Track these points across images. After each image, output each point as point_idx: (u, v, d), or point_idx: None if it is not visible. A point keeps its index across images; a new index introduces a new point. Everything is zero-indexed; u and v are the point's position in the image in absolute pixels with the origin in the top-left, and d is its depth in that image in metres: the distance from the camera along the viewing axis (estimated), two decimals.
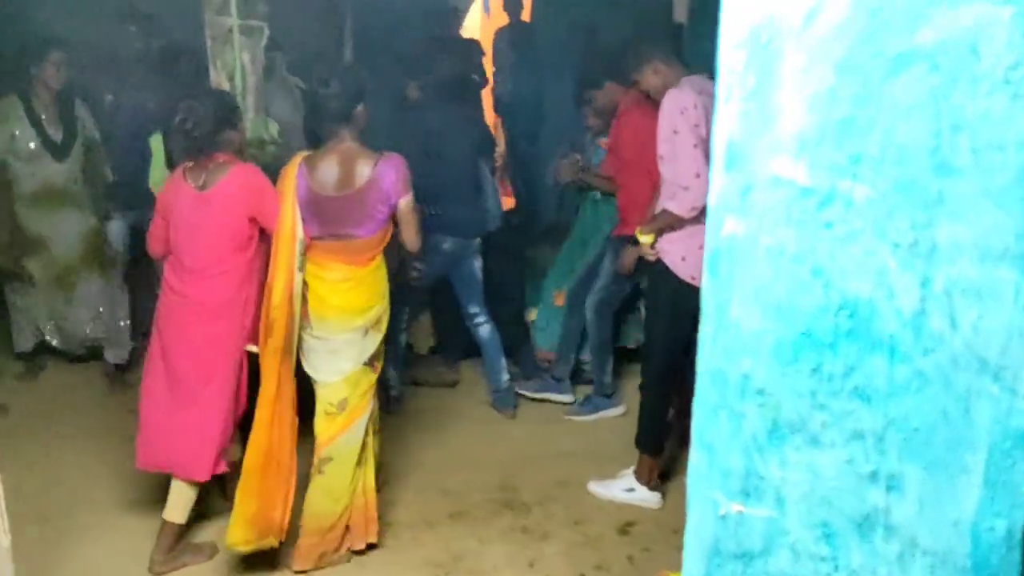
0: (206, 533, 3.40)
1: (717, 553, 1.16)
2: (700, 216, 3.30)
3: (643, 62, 3.48)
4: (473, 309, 4.38)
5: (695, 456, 1.17)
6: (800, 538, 1.07)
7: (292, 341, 3.09)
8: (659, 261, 3.49)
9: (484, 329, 4.43)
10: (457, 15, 6.91)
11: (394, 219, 3.16)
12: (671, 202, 3.34)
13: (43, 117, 4.37)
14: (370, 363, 3.21)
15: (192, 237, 3.09)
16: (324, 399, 3.18)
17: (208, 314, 3.09)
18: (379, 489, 3.40)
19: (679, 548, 3.28)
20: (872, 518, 1.00)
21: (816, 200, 0.99)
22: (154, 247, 3.26)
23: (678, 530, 3.47)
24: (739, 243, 1.06)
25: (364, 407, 3.22)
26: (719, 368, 1.11)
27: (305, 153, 3.15)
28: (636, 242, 3.68)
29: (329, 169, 3.07)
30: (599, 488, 3.79)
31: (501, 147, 6.61)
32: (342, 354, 3.16)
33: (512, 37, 6.85)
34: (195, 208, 3.07)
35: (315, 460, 3.18)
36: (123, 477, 3.69)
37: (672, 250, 3.45)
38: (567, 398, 4.61)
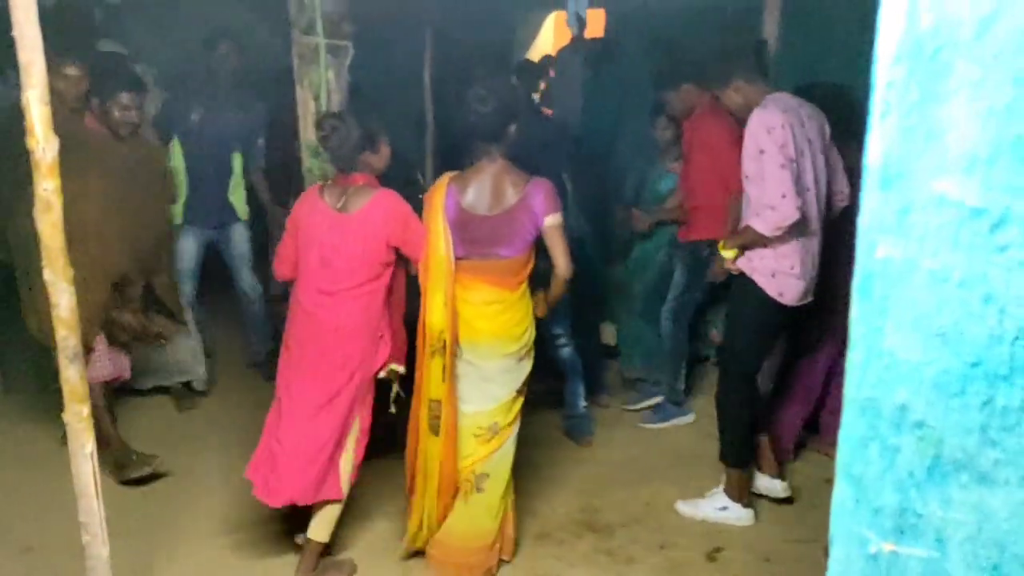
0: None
1: None
2: (787, 235, 3.30)
3: (725, 80, 3.44)
4: (557, 330, 4.27)
5: (840, 490, 1.11)
6: None
7: (455, 360, 3.10)
8: (744, 275, 3.45)
9: (566, 351, 4.33)
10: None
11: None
12: (756, 220, 3.30)
13: None
14: (521, 389, 3.20)
15: (329, 259, 3.04)
16: (473, 424, 3.16)
17: (344, 337, 3.05)
18: None
19: None
20: None
21: (988, 222, 0.92)
22: (282, 269, 3.22)
23: (770, 558, 3.39)
24: (896, 267, 1.00)
25: (515, 424, 3.23)
26: (870, 398, 1.05)
27: (452, 174, 3.13)
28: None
29: (480, 188, 3.05)
30: (688, 508, 3.71)
31: None
32: (496, 381, 3.14)
33: (584, 54, 6.83)
34: (334, 230, 3.03)
35: (470, 479, 3.18)
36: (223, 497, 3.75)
37: (762, 267, 3.40)
38: (687, 418, 4.62)
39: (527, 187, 3.03)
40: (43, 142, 2.21)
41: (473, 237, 3.04)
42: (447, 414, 3.09)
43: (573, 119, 6.54)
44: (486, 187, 3.05)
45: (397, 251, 3.10)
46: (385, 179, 4.93)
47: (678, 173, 4.54)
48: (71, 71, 3.70)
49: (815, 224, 3.39)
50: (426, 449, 3.17)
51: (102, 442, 3.72)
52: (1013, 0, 0.87)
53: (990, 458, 0.95)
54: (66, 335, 2.38)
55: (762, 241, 3.33)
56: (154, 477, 3.85)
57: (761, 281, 3.41)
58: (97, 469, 2.52)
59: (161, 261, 4.21)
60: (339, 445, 3.09)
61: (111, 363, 3.97)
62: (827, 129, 3.40)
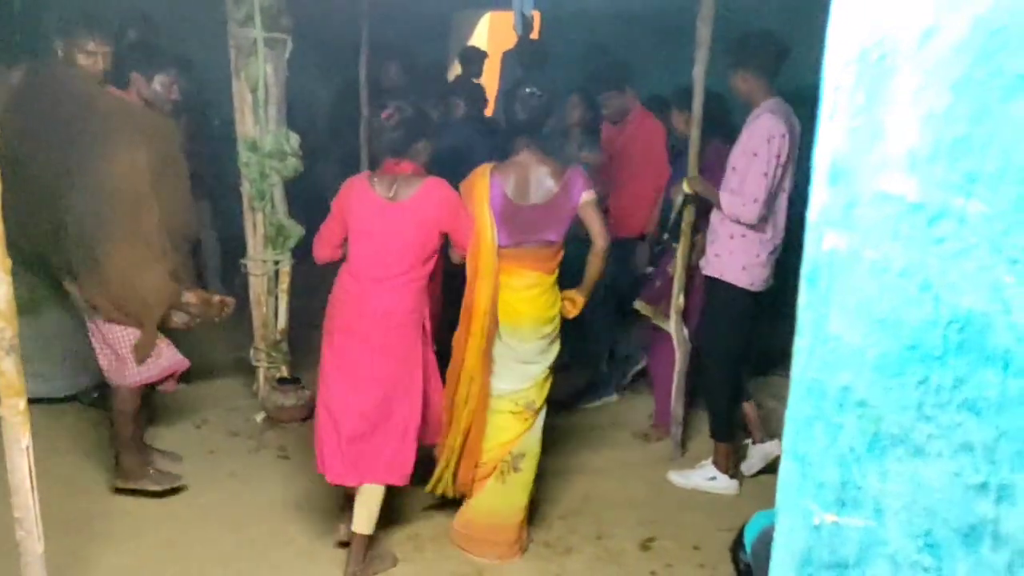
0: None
1: (809, 563, 1.17)
2: (754, 230, 3.67)
3: (736, 65, 3.66)
4: None
5: (786, 467, 1.18)
6: (900, 548, 1.08)
7: (492, 344, 3.29)
8: (714, 280, 3.82)
9: None
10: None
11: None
12: (727, 196, 3.64)
13: None
14: (551, 368, 3.42)
15: (381, 246, 3.12)
16: (511, 403, 3.36)
17: (395, 323, 3.14)
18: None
19: (701, 564, 3.31)
20: (979, 528, 1.02)
21: (926, 216, 1.00)
22: (323, 250, 3.28)
23: (699, 546, 3.51)
24: (841, 257, 1.08)
25: (544, 405, 3.43)
26: (816, 380, 1.13)
27: (490, 165, 3.29)
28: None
29: (523, 179, 3.25)
30: (680, 479, 4.05)
31: None
32: (533, 361, 3.34)
33: (521, 56, 6.90)
34: (386, 217, 3.11)
35: (507, 460, 3.36)
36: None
37: (733, 264, 3.76)
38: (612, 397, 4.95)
39: (567, 175, 3.26)
40: None
41: (519, 226, 3.21)
42: (479, 389, 3.28)
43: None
44: (529, 177, 3.25)
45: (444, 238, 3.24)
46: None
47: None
48: (92, 46, 3.50)
49: (783, 220, 3.72)
50: (458, 424, 3.35)
51: (117, 442, 3.61)
52: (951, 14, 0.95)
53: (924, 433, 1.04)
54: (3, 326, 2.33)
55: (716, 206, 3.74)
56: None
57: (732, 278, 3.75)
58: (32, 464, 2.46)
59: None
60: (403, 430, 3.19)
61: (172, 355, 3.66)
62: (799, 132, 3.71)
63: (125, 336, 3.53)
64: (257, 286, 4.46)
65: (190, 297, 3.64)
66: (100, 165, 3.35)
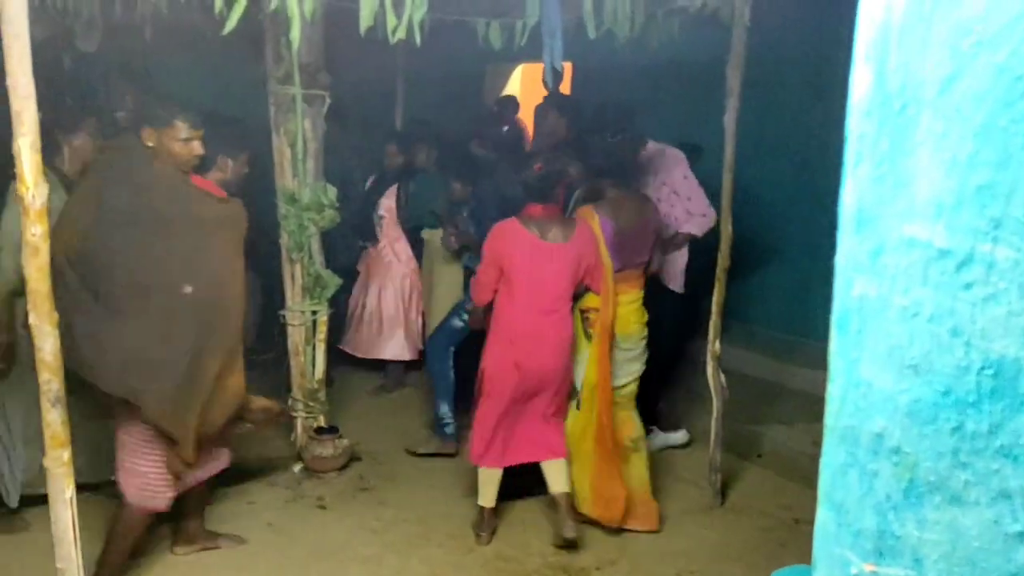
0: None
1: None
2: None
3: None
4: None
5: (822, 515, 1.17)
6: None
7: (611, 355, 3.89)
8: (660, 292, 4.50)
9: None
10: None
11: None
12: (690, 225, 4.54)
13: None
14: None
15: (545, 283, 3.61)
16: (626, 395, 4.05)
17: (564, 348, 3.69)
18: None
19: None
20: None
21: (954, 261, 1.01)
22: (485, 295, 3.73)
23: None
24: (870, 303, 1.08)
25: None
26: (849, 426, 1.12)
27: (590, 206, 3.83)
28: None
29: (623, 212, 3.85)
30: (658, 441, 4.75)
31: None
32: (637, 360, 4.08)
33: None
34: (550, 257, 3.60)
35: (628, 445, 3.98)
36: None
37: (677, 271, 4.64)
38: None
39: (651, 204, 4.06)
40: (32, 188, 2.24)
41: (624, 252, 3.83)
42: (604, 392, 3.83)
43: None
44: (627, 210, 3.87)
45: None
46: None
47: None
48: (187, 133, 3.20)
49: None
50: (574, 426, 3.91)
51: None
52: (972, 62, 0.96)
53: (961, 480, 1.03)
54: (48, 379, 2.39)
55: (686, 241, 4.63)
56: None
57: (677, 284, 4.68)
58: (75, 515, 2.51)
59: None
60: (562, 421, 3.86)
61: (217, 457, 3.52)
62: None
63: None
64: (295, 336, 4.52)
65: (261, 403, 3.48)
66: (205, 274, 3.15)
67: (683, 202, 4.53)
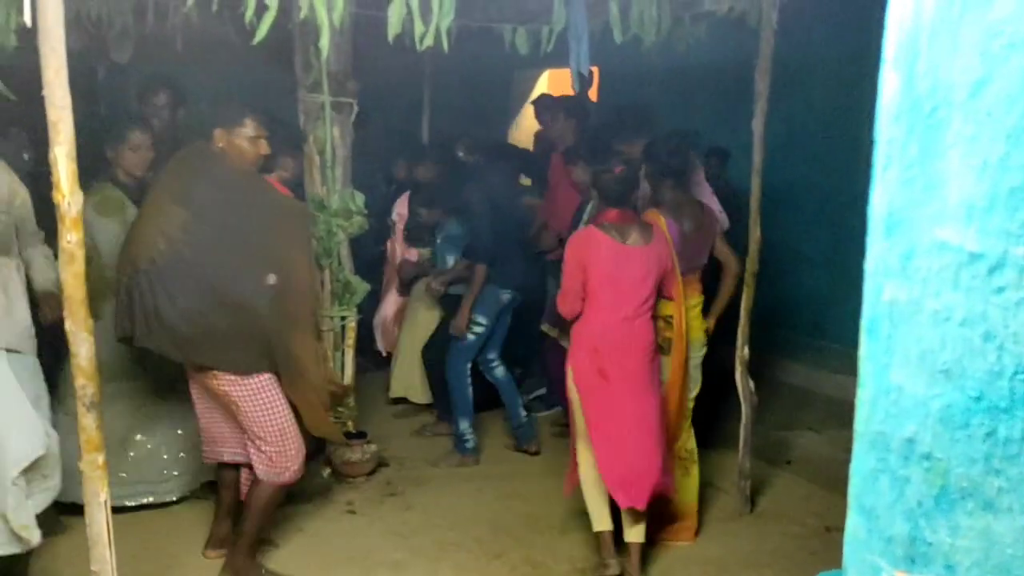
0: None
1: None
2: None
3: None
4: (491, 355, 4.86)
5: (853, 521, 1.16)
6: None
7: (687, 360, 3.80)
8: None
9: (499, 370, 4.91)
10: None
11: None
12: None
13: None
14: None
15: (630, 288, 3.46)
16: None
17: (653, 351, 3.53)
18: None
19: None
20: None
21: (986, 265, 1.00)
22: (575, 306, 3.52)
23: None
24: (901, 308, 1.07)
25: None
26: (880, 432, 1.11)
27: (655, 209, 3.74)
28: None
29: (684, 215, 3.81)
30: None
31: None
32: (698, 368, 3.95)
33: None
34: (632, 262, 3.46)
35: (685, 456, 3.88)
36: None
37: None
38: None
39: (706, 206, 3.97)
40: (69, 196, 2.28)
41: (686, 255, 3.74)
42: (679, 405, 3.76)
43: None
44: (684, 212, 3.81)
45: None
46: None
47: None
48: (255, 132, 3.32)
49: None
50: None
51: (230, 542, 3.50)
52: (1003, 64, 0.95)
53: (994, 486, 1.02)
54: (84, 383, 2.42)
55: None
56: None
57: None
58: (110, 518, 2.54)
59: None
60: (664, 442, 3.56)
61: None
62: None
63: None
64: (324, 342, 4.55)
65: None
66: (284, 263, 3.31)
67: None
